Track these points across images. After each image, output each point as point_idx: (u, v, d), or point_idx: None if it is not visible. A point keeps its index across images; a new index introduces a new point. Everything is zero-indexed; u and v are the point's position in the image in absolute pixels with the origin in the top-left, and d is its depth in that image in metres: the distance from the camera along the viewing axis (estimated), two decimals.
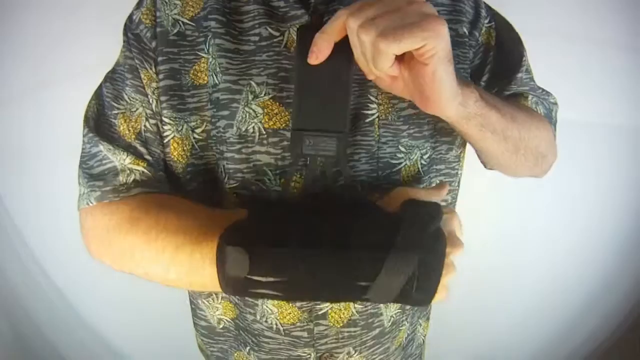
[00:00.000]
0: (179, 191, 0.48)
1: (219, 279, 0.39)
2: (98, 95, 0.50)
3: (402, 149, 0.47)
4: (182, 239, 0.41)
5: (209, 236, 0.40)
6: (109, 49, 0.52)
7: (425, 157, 0.49)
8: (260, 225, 0.41)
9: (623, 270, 1.19)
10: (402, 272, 0.37)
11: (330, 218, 0.41)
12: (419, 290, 0.38)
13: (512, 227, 1.15)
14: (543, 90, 0.58)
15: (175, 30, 0.46)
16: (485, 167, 0.60)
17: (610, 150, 1.07)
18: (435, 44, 0.34)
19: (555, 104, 0.59)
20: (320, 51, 0.38)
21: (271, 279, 0.38)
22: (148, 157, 0.47)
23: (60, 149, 0.79)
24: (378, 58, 0.35)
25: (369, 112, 0.46)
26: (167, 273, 0.42)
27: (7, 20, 0.90)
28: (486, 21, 0.52)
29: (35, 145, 0.98)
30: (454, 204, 0.56)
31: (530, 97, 0.55)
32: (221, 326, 0.56)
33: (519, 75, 0.55)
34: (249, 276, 0.38)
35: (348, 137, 0.43)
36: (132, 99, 0.47)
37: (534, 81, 0.58)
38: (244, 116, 0.45)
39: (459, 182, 0.56)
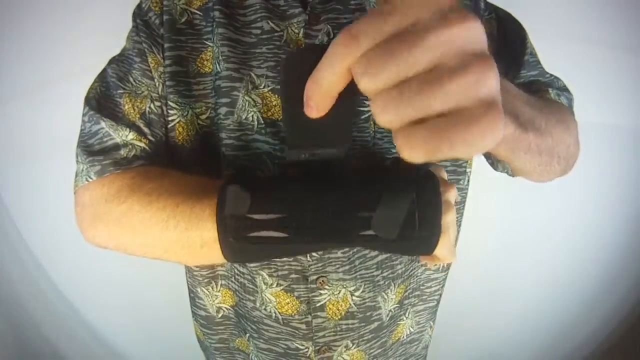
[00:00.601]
0: None
1: (218, 230, 0.37)
2: (102, 77, 0.50)
3: None
4: (183, 197, 0.40)
5: (209, 193, 0.39)
6: (109, 49, 0.52)
7: None
8: (260, 176, 0.41)
9: (623, 270, 1.19)
10: (402, 199, 0.36)
11: (329, 168, 0.41)
12: (422, 224, 0.37)
13: (512, 227, 1.15)
14: (551, 75, 0.57)
15: (183, 19, 0.48)
16: (495, 170, 0.58)
17: (610, 150, 1.07)
18: (482, 150, 0.23)
19: (567, 89, 0.56)
20: (319, 107, 0.27)
21: (272, 216, 0.37)
22: (150, 137, 0.48)
23: (61, 148, 0.79)
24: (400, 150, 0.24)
25: (364, 108, 0.46)
26: (164, 232, 0.40)
27: (7, 20, 0.90)
28: (486, 13, 0.53)
29: (35, 144, 0.98)
30: (463, 204, 0.56)
31: (550, 90, 0.53)
32: (220, 315, 0.56)
33: (526, 58, 0.54)
34: (249, 215, 0.37)
35: (350, 145, 0.42)
36: (138, 81, 0.48)
37: (541, 64, 0.56)
38: (243, 104, 0.46)
39: (468, 181, 0.55)
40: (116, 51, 0.51)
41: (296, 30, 0.46)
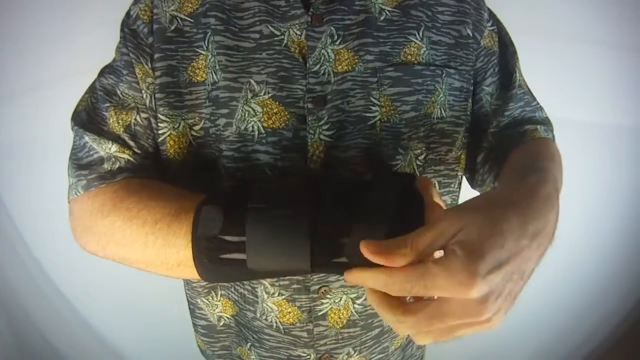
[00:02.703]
0: None
1: (193, 250, 0.37)
2: (92, 89, 0.49)
3: (401, 150, 0.47)
4: (162, 213, 0.40)
5: (187, 210, 0.39)
6: (108, 49, 0.52)
7: (420, 157, 0.48)
8: (236, 191, 0.40)
9: (623, 270, 1.19)
10: (376, 231, 0.32)
11: (308, 183, 0.40)
12: None
13: None
14: (535, 103, 0.55)
15: (173, 27, 0.46)
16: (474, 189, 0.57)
17: (610, 150, 1.07)
18: None
19: (548, 121, 0.56)
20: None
21: (243, 239, 0.35)
22: (136, 149, 0.47)
23: (60, 148, 0.79)
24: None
25: (371, 114, 0.45)
26: (144, 248, 0.40)
27: (7, 20, 0.90)
28: (489, 24, 0.52)
29: (35, 144, 0.98)
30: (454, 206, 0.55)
31: (539, 127, 0.51)
32: (222, 323, 0.56)
33: (514, 91, 0.53)
34: (221, 236, 0.35)
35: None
36: (125, 94, 0.47)
37: (527, 91, 0.55)
38: (243, 114, 0.45)
39: (459, 184, 0.55)
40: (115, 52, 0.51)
41: (298, 32, 0.45)
